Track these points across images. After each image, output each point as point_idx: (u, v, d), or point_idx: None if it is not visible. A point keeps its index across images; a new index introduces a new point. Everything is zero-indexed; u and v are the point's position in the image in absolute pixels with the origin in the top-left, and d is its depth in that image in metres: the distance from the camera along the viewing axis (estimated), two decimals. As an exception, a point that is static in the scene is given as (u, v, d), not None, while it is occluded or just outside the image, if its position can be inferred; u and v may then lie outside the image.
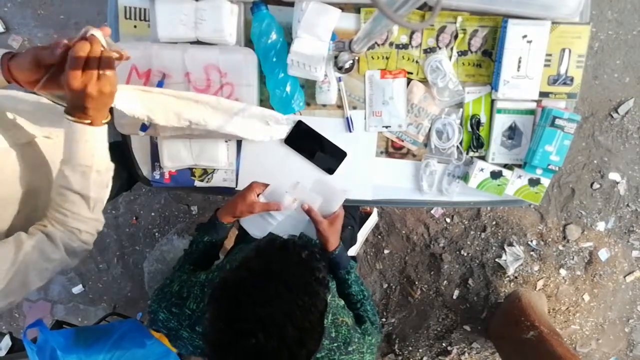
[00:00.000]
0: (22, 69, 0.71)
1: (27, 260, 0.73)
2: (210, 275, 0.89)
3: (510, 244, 2.16)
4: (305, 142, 1.10)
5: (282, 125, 1.06)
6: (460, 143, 1.10)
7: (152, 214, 2.19)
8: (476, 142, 1.09)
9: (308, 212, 0.95)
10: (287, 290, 0.62)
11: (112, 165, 0.84)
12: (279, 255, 0.68)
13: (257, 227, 1.02)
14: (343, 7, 1.00)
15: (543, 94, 1.05)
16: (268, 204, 0.96)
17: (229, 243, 1.09)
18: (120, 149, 1.12)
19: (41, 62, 0.70)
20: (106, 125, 0.78)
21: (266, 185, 0.98)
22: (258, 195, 0.97)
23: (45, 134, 0.90)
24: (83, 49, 0.67)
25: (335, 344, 0.81)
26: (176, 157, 1.06)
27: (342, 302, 0.93)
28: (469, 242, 2.16)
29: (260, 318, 0.59)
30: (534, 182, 1.09)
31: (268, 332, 0.59)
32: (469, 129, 1.09)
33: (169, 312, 0.86)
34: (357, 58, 1.04)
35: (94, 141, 0.76)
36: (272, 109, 1.03)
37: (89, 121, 0.74)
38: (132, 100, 0.84)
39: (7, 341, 1.44)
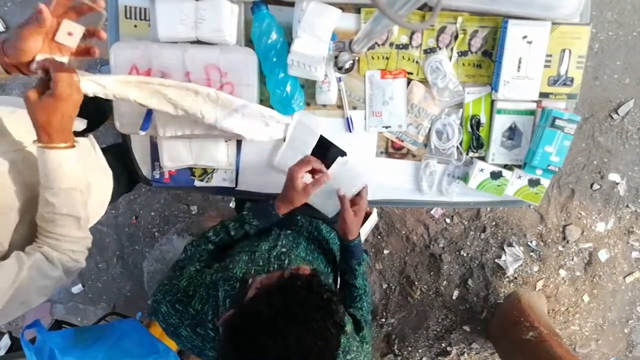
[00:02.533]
0: (17, 47, 0.71)
1: (27, 279, 0.74)
2: (215, 277, 0.88)
3: (510, 245, 2.16)
4: (305, 142, 1.09)
5: (282, 125, 1.06)
6: (460, 143, 1.10)
7: (152, 213, 2.19)
8: (476, 142, 1.09)
9: (341, 198, 0.98)
10: (307, 334, 0.62)
11: (90, 183, 0.86)
12: (302, 294, 0.66)
13: (324, 200, 1.02)
14: (343, 7, 1.00)
15: (543, 95, 1.05)
16: (317, 180, 0.97)
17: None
18: (120, 150, 1.12)
19: (34, 33, 0.71)
20: (76, 148, 0.81)
21: (306, 162, 0.98)
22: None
23: None
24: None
25: None
26: (176, 157, 1.06)
27: (342, 309, 0.93)
28: (468, 243, 2.16)
29: None
30: (533, 183, 1.09)
31: None
32: (469, 129, 1.08)
33: (172, 307, 0.85)
34: (357, 58, 1.04)
35: (70, 163, 0.78)
36: (272, 108, 1.03)
37: (63, 144, 0.76)
38: (125, 87, 0.84)
39: (6, 340, 1.44)
